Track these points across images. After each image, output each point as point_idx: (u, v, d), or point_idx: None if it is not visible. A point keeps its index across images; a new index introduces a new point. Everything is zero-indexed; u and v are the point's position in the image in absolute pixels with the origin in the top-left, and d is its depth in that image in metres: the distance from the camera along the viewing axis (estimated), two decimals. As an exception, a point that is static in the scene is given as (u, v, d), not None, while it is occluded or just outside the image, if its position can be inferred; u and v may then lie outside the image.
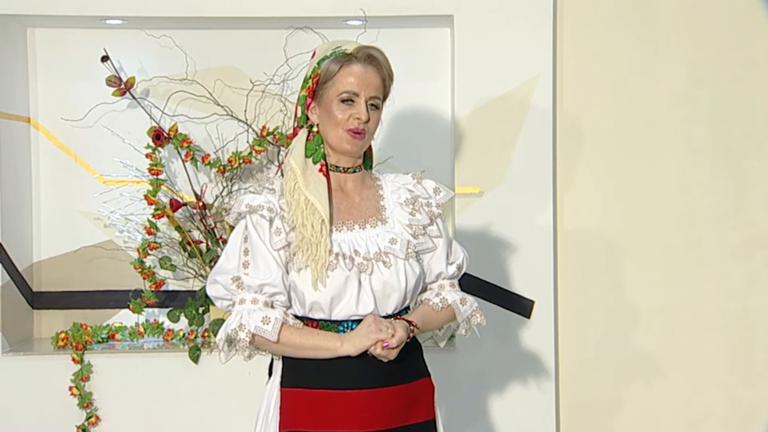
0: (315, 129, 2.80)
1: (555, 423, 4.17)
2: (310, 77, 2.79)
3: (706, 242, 4.27)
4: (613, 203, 4.27)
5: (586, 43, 4.23)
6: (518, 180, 4.14)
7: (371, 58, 2.78)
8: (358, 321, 2.73)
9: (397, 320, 2.73)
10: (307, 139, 2.81)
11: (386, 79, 2.80)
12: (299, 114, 2.83)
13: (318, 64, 2.78)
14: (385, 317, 2.75)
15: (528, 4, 4.12)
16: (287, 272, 2.73)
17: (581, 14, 4.22)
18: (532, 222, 4.15)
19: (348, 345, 2.69)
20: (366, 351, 2.68)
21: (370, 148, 2.91)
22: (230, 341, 2.73)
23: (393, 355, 2.68)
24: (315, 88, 2.78)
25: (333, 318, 2.73)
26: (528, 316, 4.15)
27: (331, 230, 2.74)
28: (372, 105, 2.76)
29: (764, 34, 4.23)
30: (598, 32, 4.23)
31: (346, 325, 2.73)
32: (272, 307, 2.74)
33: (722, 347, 4.27)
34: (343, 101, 2.74)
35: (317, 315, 2.74)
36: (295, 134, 2.84)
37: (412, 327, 2.75)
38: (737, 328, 4.27)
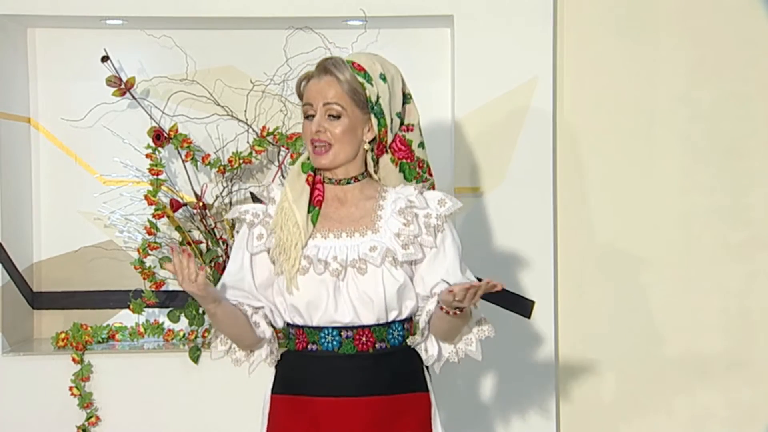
0: None
1: (555, 423, 4.17)
2: None
3: (706, 242, 4.27)
4: (614, 203, 4.27)
5: (586, 44, 4.23)
6: (518, 180, 4.14)
7: (325, 69, 2.75)
8: (339, 328, 2.72)
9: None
10: (308, 159, 2.84)
11: (347, 86, 2.74)
12: None
13: None
14: (368, 327, 2.73)
15: (528, 5, 4.12)
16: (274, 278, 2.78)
17: (581, 15, 4.22)
18: (532, 222, 4.15)
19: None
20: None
21: (411, 156, 2.89)
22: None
23: None
24: None
25: (314, 324, 2.73)
26: (528, 316, 4.15)
27: (310, 236, 2.74)
28: (330, 115, 2.73)
29: (764, 35, 4.23)
30: (598, 33, 4.23)
31: (327, 332, 2.73)
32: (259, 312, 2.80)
33: (722, 347, 4.27)
34: (306, 118, 2.76)
35: (299, 321, 2.75)
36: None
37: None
38: (737, 328, 4.27)
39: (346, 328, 2.72)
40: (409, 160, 2.87)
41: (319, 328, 2.73)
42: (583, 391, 4.26)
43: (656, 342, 4.26)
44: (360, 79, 2.75)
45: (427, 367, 2.87)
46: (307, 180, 2.79)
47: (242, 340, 2.80)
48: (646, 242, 4.26)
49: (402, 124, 2.86)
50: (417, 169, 2.88)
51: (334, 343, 2.73)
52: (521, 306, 4.15)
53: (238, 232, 2.86)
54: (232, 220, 2.86)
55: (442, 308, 2.64)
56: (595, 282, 4.26)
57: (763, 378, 4.27)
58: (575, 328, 4.25)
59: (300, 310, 2.73)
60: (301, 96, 2.80)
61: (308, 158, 2.83)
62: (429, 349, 2.83)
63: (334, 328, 2.72)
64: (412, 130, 2.88)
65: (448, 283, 2.70)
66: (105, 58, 4.22)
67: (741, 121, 4.25)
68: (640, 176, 4.26)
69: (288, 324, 2.80)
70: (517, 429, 4.15)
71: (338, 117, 2.74)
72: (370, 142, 2.79)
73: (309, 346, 2.75)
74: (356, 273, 2.70)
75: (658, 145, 4.26)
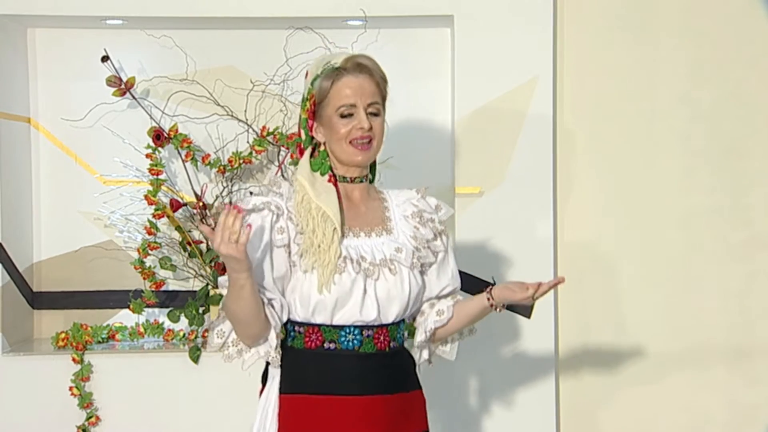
0: (321, 147, 2.82)
1: (555, 423, 4.17)
2: (307, 99, 2.81)
3: (706, 242, 4.27)
4: (614, 203, 4.27)
5: (587, 44, 4.23)
6: (518, 180, 4.14)
7: (361, 66, 2.78)
8: (361, 327, 2.74)
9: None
10: (312, 156, 2.82)
11: (380, 83, 2.80)
12: (303, 136, 2.85)
13: (312, 84, 2.80)
14: (386, 326, 2.76)
15: (528, 5, 4.12)
16: (291, 272, 2.75)
17: (581, 14, 4.22)
18: (532, 222, 4.15)
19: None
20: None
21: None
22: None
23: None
24: (314, 109, 2.80)
25: (334, 323, 2.74)
26: (528, 317, 4.15)
27: (342, 236, 2.75)
28: (371, 112, 2.77)
29: (764, 34, 4.23)
30: (598, 33, 4.23)
31: (348, 330, 2.74)
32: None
33: (722, 347, 4.27)
34: (342, 116, 2.75)
35: (319, 319, 2.74)
36: (299, 147, 2.87)
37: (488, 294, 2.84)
38: (737, 328, 4.27)
39: (368, 327, 2.74)
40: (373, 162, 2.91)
41: (340, 327, 2.74)
42: (583, 390, 4.26)
43: (656, 342, 4.26)
44: (384, 76, 2.81)
45: None
46: (329, 180, 2.79)
47: (253, 326, 2.70)
48: (646, 242, 4.26)
49: None
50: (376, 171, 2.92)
51: (355, 342, 2.74)
52: (521, 306, 4.13)
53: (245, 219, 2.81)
54: (248, 210, 2.79)
55: (492, 305, 2.84)
56: (595, 282, 4.26)
57: (763, 378, 4.27)
58: (575, 327, 4.25)
59: (327, 307, 2.73)
60: (326, 92, 2.77)
61: (311, 156, 2.82)
62: (423, 352, 2.93)
63: (356, 326, 2.73)
64: None
65: (494, 281, 2.88)
66: (105, 58, 4.22)
67: (741, 121, 4.25)
68: (640, 176, 4.26)
69: (294, 322, 2.78)
70: (517, 427, 4.15)
71: (377, 115, 2.78)
72: None
73: (325, 345, 2.75)
74: (388, 273, 2.73)
75: (658, 145, 4.26)
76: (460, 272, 4.00)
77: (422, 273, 2.84)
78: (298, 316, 2.76)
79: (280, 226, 2.74)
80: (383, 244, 2.78)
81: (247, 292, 2.62)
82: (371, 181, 2.91)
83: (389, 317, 2.76)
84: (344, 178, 2.82)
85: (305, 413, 2.73)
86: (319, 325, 2.74)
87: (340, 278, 2.71)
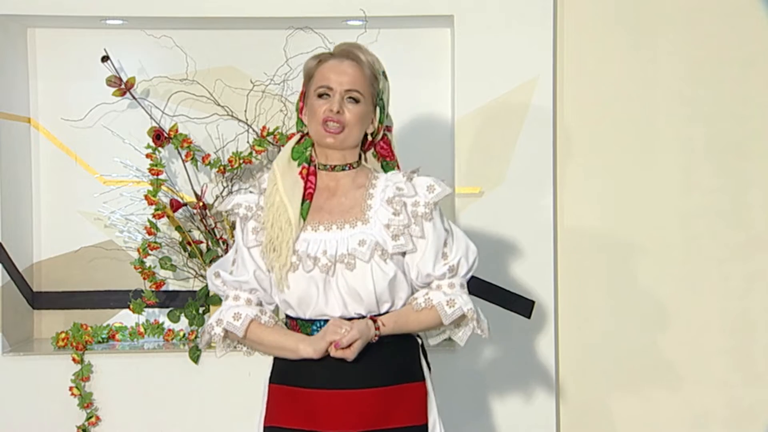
0: (306, 131, 2.84)
1: (555, 423, 4.17)
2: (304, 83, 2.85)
3: (706, 242, 4.27)
4: (613, 203, 4.27)
5: (586, 44, 4.23)
6: (518, 180, 4.14)
7: (348, 53, 2.80)
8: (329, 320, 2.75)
9: (360, 319, 2.72)
10: (298, 143, 2.83)
11: (370, 76, 2.79)
12: (296, 119, 2.88)
13: None
14: (358, 319, 2.74)
15: (528, 5, 4.12)
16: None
17: (581, 15, 4.22)
18: (532, 222, 4.15)
19: (307, 347, 2.71)
20: (328, 353, 2.70)
21: (392, 156, 2.90)
22: (209, 333, 2.84)
23: (350, 355, 2.67)
24: (304, 90, 2.83)
25: (306, 317, 2.77)
26: (528, 316, 4.15)
27: (302, 230, 2.75)
28: (350, 98, 2.76)
29: (764, 34, 4.23)
30: (598, 33, 4.23)
31: (319, 324, 2.75)
32: (258, 304, 2.81)
33: (722, 347, 4.27)
34: (319, 96, 2.77)
35: (291, 313, 2.79)
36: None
37: (377, 325, 2.73)
38: (737, 328, 4.27)
39: None
40: (389, 159, 2.90)
41: (311, 321, 2.76)
42: (582, 390, 4.26)
43: (656, 341, 4.26)
44: (376, 69, 2.80)
45: (425, 355, 2.88)
46: (300, 173, 2.80)
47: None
48: (646, 242, 4.26)
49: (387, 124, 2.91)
50: (396, 169, 2.91)
51: None
52: (521, 306, 4.15)
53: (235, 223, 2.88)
54: (227, 212, 2.86)
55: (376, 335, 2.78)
56: (595, 282, 4.26)
57: (763, 378, 4.27)
58: (575, 327, 4.25)
59: (292, 305, 2.75)
60: (310, 75, 2.81)
61: (298, 142, 2.83)
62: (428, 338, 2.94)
63: (325, 320, 2.74)
64: (391, 131, 2.93)
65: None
66: (105, 58, 4.22)
67: (741, 121, 4.25)
68: (640, 176, 4.26)
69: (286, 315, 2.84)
70: (517, 427, 4.15)
71: (357, 102, 2.77)
72: (372, 134, 2.84)
73: None
74: (344, 268, 2.71)
75: (658, 145, 4.26)
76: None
77: (401, 259, 2.77)
78: (282, 309, 2.82)
79: (253, 227, 2.79)
80: (351, 237, 2.74)
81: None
82: (386, 170, 2.88)
83: (360, 310, 2.74)
84: (325, 166, 2.81)
85: (284, 403, 2.77)
86: (296, 318, 2.78)
87: (293, 276, 2.72)
